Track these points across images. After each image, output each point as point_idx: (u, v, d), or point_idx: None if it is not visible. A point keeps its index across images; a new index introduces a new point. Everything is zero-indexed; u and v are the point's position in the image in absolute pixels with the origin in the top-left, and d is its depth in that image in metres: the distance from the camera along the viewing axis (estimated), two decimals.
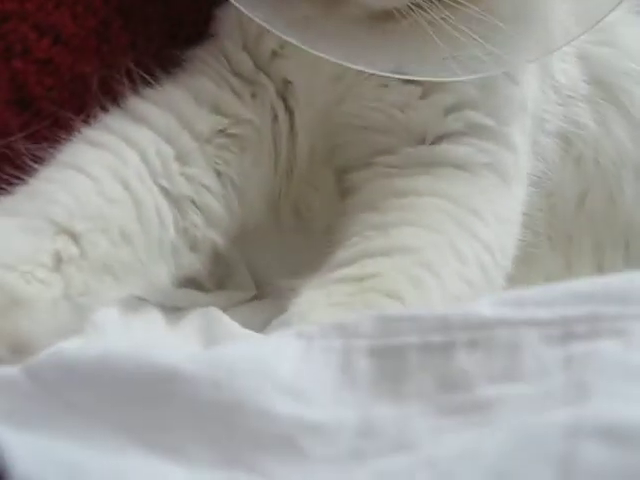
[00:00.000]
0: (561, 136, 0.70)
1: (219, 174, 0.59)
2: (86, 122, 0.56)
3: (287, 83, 0.62)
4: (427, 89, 0.60)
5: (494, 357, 0.27)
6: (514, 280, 0.61)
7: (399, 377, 0.27)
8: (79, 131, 0.56)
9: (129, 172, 0.54)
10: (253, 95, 0.62)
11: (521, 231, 0.62)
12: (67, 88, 0.60)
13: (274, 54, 0.62)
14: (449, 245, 0.54)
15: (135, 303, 0.54)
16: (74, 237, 0.49)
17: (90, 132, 0.56)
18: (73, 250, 0.49)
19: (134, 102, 0.59)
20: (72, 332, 0.46)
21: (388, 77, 0.58)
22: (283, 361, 0.29)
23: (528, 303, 0.30)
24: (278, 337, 0.31)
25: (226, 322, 0.53)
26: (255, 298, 0.65)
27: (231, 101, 0.60)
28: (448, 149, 0.60)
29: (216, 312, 0.55)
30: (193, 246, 0.58)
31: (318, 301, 0.50)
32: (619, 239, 0.75)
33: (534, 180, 0.66)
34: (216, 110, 0.60)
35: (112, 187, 0.52)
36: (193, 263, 0.58)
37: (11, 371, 0.30)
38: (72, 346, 0.30)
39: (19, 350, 0.44)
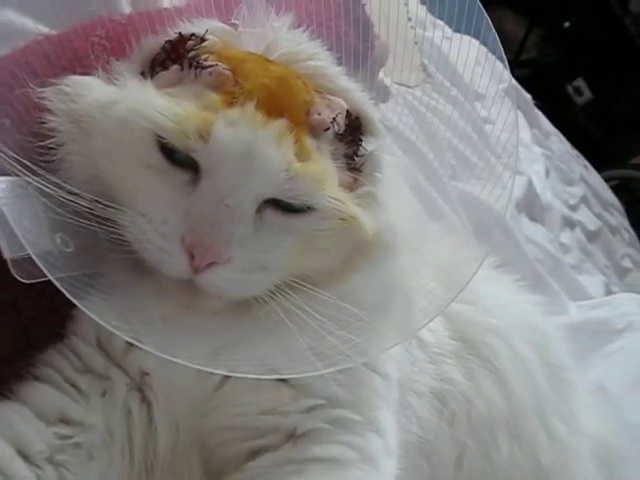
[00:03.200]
0: (434, 394, 0.70)
1: None
2: None
3: (144, 375, 0.60)
4: (298, 390, 0.58)
5: None
6: None
7: None
8: None
9: None
10: (103, 393, 0.59)
11: None
12: None
13: (129, 345, 0.60)
14: None
15: None
16: None
17: None
18: None
19: None
20: None
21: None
22: None
23: None
24: None
25: None
26: None
27: (76, 407, 0.58)
28: (315, 447, 0.57)
29: None
30: None
31: None
32: None
33: (411, 443, 0.65)
34: (60, 419, 0.57)
35: None
36: None
37: None
38: None
39: None
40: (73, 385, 0.59)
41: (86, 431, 0.58)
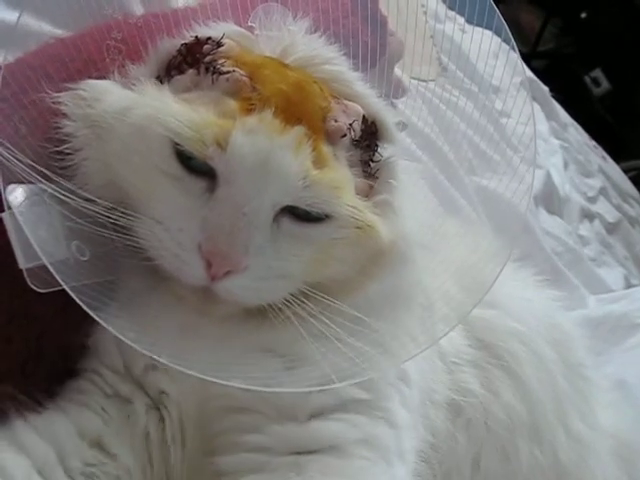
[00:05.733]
0: (449, 404, 0.69)
1: None
2: None
3: (161, 393, 0.60)
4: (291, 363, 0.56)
5: None
6: None
7: None
8: None
9: None
10: (128, 417, 0.60)
11: None
12: None
13: (151, 367, 0.60)
14: None
15: None
16: None
17: None
18: None
19: (18, 426, 0.56)
20: None
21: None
22: None
23: None
24: None
25: None
26: None
27: (111, 434, 0.59)
28: (319, 427, 0.55)
29: None
30: None
31: None
32: None
33: (424, 456, 0.63)
34: (96, 443, 0.58)
35: None
36: None
37: None
38: None
39: None
40: (105, 411, 0.60)
41: (117, 461, 0.58)
